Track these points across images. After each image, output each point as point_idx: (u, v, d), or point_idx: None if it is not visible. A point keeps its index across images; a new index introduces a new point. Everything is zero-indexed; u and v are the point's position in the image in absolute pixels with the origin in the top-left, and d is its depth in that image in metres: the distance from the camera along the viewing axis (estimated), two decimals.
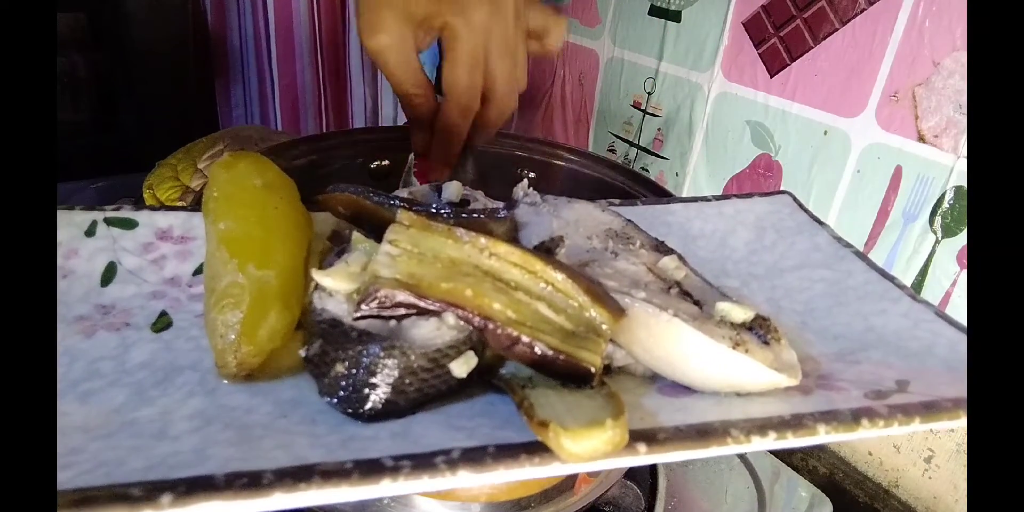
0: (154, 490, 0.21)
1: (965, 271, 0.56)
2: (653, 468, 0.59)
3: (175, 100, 1.24)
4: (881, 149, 0.60)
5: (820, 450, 0.70)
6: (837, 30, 0.61)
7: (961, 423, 0.27)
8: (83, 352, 0.32)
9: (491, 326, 0.28)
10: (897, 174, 0.59)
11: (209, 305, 0.32)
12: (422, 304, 0.29)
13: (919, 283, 0.59)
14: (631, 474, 0.55)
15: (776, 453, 0.67)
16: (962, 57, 0.53)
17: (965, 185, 0.55)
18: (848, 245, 0.41)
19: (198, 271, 0.38)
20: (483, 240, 0.31)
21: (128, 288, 0.36)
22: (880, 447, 0.66)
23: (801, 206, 0.46)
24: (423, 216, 0.32)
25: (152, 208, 0.39)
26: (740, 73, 0.69)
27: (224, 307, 0.31)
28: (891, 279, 0.38)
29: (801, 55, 0.64)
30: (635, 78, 0.81)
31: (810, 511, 0.61)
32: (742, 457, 0.64)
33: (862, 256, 0.40)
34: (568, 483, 0.49)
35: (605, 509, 0.53)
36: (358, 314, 0.29)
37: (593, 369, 0.28)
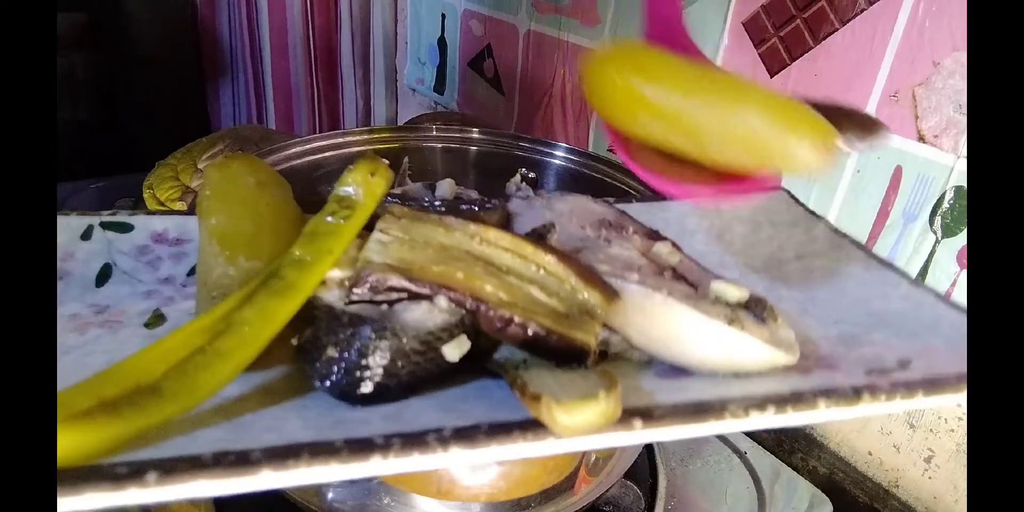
0: (139, 468, 0.21)
1: (965, 271, 0.56)
2: (653, 468, 0.59)
3: (175, 100, 1.24)
4: (881, 149, 0.60)
5: (820, 450, 0.70)
6: (837, 30, 0.61)
7: (964, 398, 0.26)
8: (75, 347, 0.32)
9: (483, 308, 0.28)
10: (897, 174, 0.59)
11: (201, 297, 0.32)
12: (414, 287, 0.28)
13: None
14: (631, 474, 0.55)
15: (776, 453, 0.67)
16: (962, 57, 0.53)
17: (965, 185, 0.55)
18: (845, 235, 0.41)
19: (193, 271, 0.38)
20: (473, 226, 0.31)
21: (122, 288, 0.37)
22: (880, 447, 0.66)
23: (797, 201, 0.46)
24: (414, 209, 0.32)
25: (148, 212, 0.40)
26: (740, 73, 0.69)
27: (215, 299, 0.31)
28: (890, 266, 0.37)
29: (801, 55, 0.64)
30: None
31: (810, 511, 0.61)
32: (742, 457, 0.64)
33: (860, 246, 0.40)
34: (568, 483, 0.49)
35: (605, 509, 0.53)
36: (350, 299, 0.29)
37: (588, 347, 0.27)
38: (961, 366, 0.27)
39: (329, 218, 0.32)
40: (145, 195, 0.90)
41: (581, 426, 0.23)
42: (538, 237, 0.33)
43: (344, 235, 0.31)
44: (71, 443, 0.22)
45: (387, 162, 0.35)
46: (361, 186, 0.33)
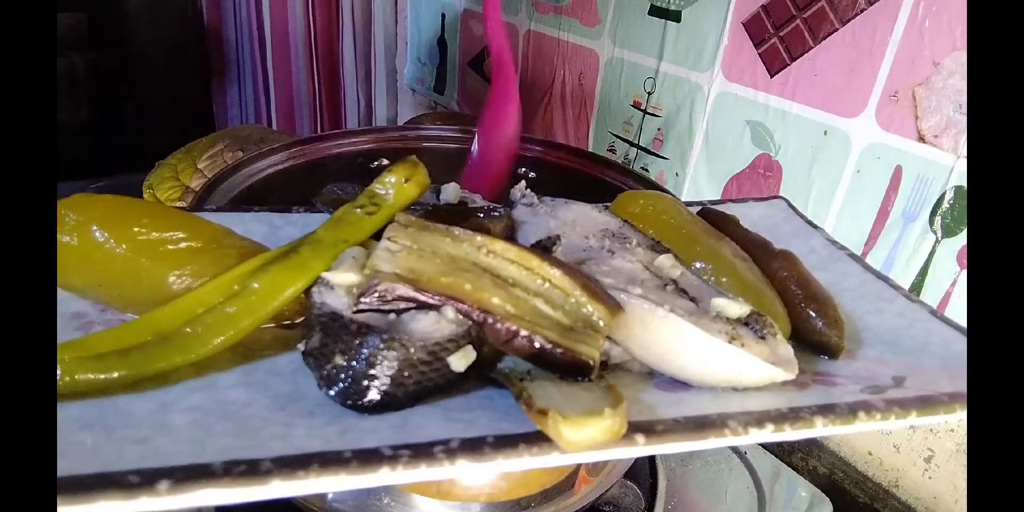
0: (151, 477, 0.21)
1: (965, 271, 0.56)
2: (653, 468, 0.59)
3: (175, 100, 1.24)
4: (881, 149, 0.60)
5: (820, 450, 0.70)
6: (837, 30, 0.61)
7: (957, 417, 0.27)
8: None
9: (490, 320, 0.28)
10: (897, 174, 0.59)
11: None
12: (422, 297, 0.29)
13: (919, 283, 0.59)
14: (631, 474, 0.55)
15: (776, 453, 0.67)
16: (962, 57, 0.53)
17: (965, 185, 0.55)
18: (843, 248, 0.42)
19: None
20: (480, 237, 0.31)
21: None
22: (880, 447, 0.66)
23: (796, 211, 0.46)
24: (420, 217, 0.32)
25: None
26: (740, 73, 0.69)
27: None
28: (886, 280, 0.38)
29: (801, 55, 0.64)
30: (635, 78, 0.81)
31: (810, 511, 0.61)
32: (742, 457, 0.64)
33: (857, 258, 0.41)
34: (568, 483, 0.49)
35: (605, 509, 0.53)
36: (358, 307, 0.29)
37: (592, 361, 0.28)
38: (956, 385, 0.28)
39: (357, 210, 0.34)
40: (145, 195, 0.90)
41: (586, 441, 0.23)
42: (543, 250, 0.34)
43: (363, 228, 0.34)
44: (80, 378, 0.26)
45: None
46: (394, 188, 0.35)
